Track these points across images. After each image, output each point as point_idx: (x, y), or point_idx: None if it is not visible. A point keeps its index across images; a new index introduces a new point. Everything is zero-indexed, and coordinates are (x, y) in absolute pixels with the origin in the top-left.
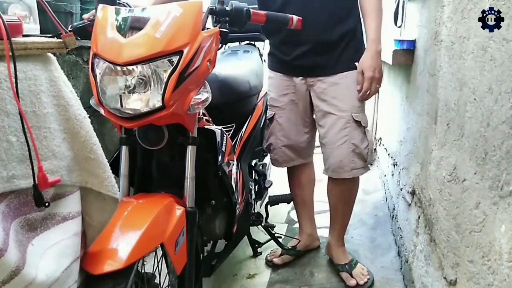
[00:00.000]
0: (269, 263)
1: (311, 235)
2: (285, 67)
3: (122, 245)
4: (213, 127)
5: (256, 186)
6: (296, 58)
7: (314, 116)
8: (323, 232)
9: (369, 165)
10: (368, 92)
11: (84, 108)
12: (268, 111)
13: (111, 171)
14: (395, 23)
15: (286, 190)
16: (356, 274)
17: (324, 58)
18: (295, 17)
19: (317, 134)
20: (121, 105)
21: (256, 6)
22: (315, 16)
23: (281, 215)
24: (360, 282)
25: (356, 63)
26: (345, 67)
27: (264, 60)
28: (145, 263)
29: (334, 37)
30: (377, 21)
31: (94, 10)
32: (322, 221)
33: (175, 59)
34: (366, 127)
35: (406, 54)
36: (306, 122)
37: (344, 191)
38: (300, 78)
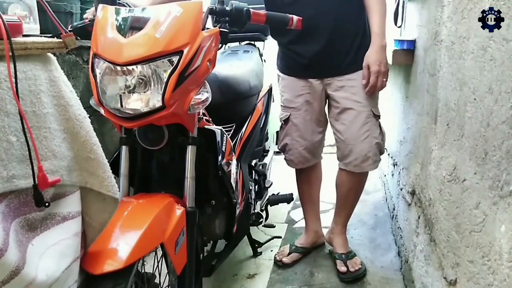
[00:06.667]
0: (279, 263)
1: (317, 232)
2: (300, 70)
3: (122, 245)
4: (213, 127)
5: (256, 186)
6: (312, 60)
7: (328, 115)
8: (324, 232)
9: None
10: (374, 87)
11: (84, 108)
12: (282, 112)
13: (111, 171)
14: (395, 23)
15: (286, 190)
16: (350, 262)
17: (339, 57)
18: (295, 17)
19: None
20: (121, 105)
21: (256, 6)
22: (328, 14)
23: (281, 215)
24: (351, 269)
25: None
26: (361, 65)
27: (264, 60)
28: (145, 263)
29: (348, 34)
30: (381, 16)
31: (94, 8)
32: (322, 220)
33: (175, 59)
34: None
35: (406, 54)
36: (321, 122)
37: (357, 182)
38: (316, 79)
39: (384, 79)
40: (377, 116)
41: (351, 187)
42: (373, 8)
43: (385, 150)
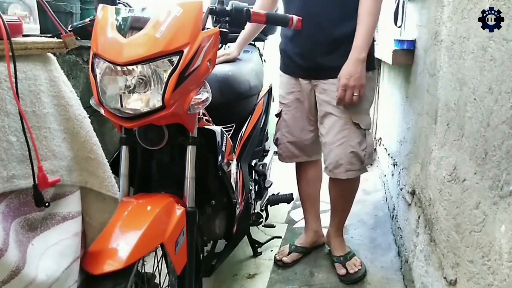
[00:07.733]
0: (279, 263)
1: (317, 232)
2: (293, 69)
3: (122, 245)
4: (213, 127)
5: (256, 186)
6: (299, 61)
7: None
8: (324, 231)
9: (367, 167)
10: (342, 100)
11: (84, 108)
12: (278, 107)
13: (111, 171)
14: (395, 23)
15: (286, 190)
16: (348, 264)
17: (322, 60)
18: (295, 17)
19: None
20: (121, 105)
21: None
22: (313, 18)
23: (281, 215)
24: (350, 271)
25: None
26: None
27: (264, 60)
28: (145, 263)
29: (330, 38)
30: (367, 28)
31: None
32: (323, 220)
33: (175, 59)
34: (367, 129)
35: (406, 54)
36: (311, 121)
37: (343, 189)
38: (305, 79)
39: (355, 94)
40: (357, 125)
41: (338, 193)
42: (361, 19)
43: (386, 149)
